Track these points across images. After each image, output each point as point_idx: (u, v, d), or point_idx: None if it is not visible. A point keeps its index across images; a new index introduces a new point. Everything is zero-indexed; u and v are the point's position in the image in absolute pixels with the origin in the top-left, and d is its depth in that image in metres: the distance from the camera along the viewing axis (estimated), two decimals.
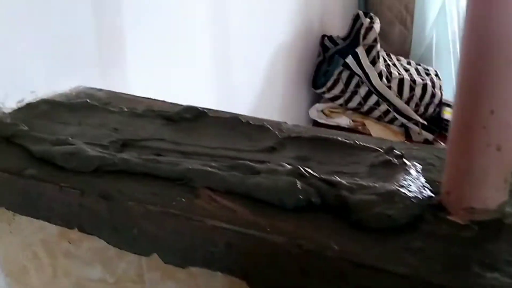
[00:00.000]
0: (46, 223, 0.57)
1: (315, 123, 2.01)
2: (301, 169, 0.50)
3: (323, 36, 1.99)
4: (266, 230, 0.45)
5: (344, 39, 1.95)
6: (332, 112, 1.99)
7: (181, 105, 0.72)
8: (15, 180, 0.55)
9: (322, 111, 2.00)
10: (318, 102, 2.04)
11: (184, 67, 1.13)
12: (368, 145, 0.57)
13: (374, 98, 1.83)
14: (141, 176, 0.54)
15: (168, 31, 1.05)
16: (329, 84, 1.85)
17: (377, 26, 1.83)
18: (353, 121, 1.93)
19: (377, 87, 1.78)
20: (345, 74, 1.85)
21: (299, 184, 0.48)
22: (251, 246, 0.44)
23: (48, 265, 0.67)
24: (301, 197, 0.47)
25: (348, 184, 0.48)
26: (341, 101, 1.89)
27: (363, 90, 1.84)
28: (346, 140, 0.59)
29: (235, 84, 1.54)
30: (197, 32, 1.18)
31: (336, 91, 1.87)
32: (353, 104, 1.88)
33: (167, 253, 0.49)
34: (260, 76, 1.68)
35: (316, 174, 0.50)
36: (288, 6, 1.77)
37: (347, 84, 1.85)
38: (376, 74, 1.77)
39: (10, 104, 0.69)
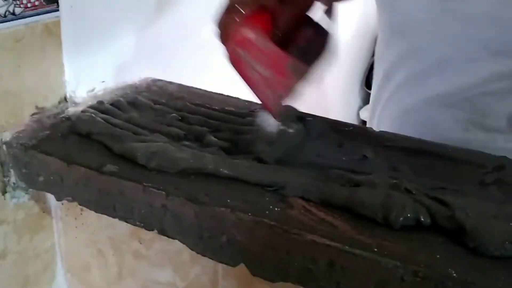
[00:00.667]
0: (116, 220, 0.54)
1: (365, 124, 1.96)
2: (407, 184, 0.46)
3: None
4: (373, 250, 0.41)
5: None
6: None
7: (255, 103, 0.68)
8: (94, 176, 0.52)
9: None
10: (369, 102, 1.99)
11: None
12: (472, 159, 0.52)
13: None
14: (228, 179, 0.50)
15: None
16: None
17: None
18: None
19: None
20: None
21: (408, 201, 0.43)
22: (357, 267, 0.41)
23: (113, 264, 0.64)
24: (410, 215, 0.43)
25: (462, 204, 0.43)
26: None
27: None
28: (445, 152, 0.54)
29: None
30: None
31: None
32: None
33: (257, 265, 0.46)
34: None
35: (424, 191, 0.46)
36: (346, 5, 1.72)
37: None
38: None
39: (81, 93, 0.67)
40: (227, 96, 0.72)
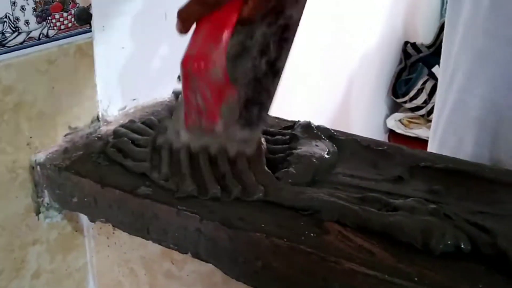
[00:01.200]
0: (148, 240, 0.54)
1: (392, 133, 1.94)
2: (446, 208, 0.45)
3: (406, 43, 1.92)
4: (413, 279, 0.40)
5: (428, 47, 1.87)
6: (411, 122, 1.92)
7: (287, 120, 0.68)
8: (128, 198, 0.52)
9: (400, 120, 1.93)
10: (397, 111, 1.97)
11: None
12: None
13: None
14: (261, 202, 0.50)
15: None
16: (411, 93, 1.78)
17: None
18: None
19: None
20: (429, 84, 1.77)
21: (448, 228, 0.42)
22: None
23: (145, 283, 0.64)
24: (450, 242, 0.42)
25: (503, 230, 0.42)
26: (422, 111, 1.82)
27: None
28: (483, 172, 0.53)
29: (314, 91, 1.49)
30: None
31: (419, 101, 1.80)
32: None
33: None
34: (340, 84, 1.63)
35: (464, 216, 0.44)
36: (373, 12, 1.71)
37: (430, 94, 1.78)
38: None
39: (112, 112, 0.67)
40: None
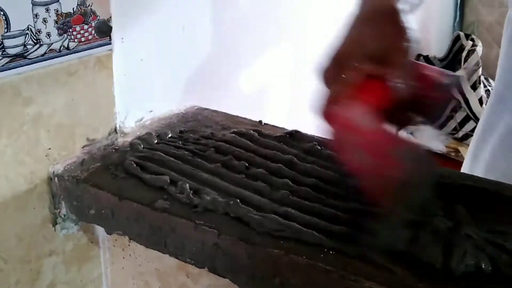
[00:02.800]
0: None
1: None
2: (466, 228, 0.45)
3: (419, 55, 1.91)
4: None
5: (441, 60, 1.86)
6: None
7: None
8: (146, 212, 0.52)
9: (411, 133, 1.92)
10: None
11: (284, 90, 1.08)
12: None
13: (471, 125, 1.73)
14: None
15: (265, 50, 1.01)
16: None
17: (479, 49, 1.73)
18: (445, 146, 1.83)
19: (476, 114, 1.68)
20: None
21: (468, 248, 0.42)
22: None
23: None
24: (471, 262, 0.42)
25: None
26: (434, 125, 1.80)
27: (459, 115, 1.75)
28: (502, 191, 0.53)
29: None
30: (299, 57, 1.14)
31: None
32: (447, 129, 1.79)
33: None
34: None
35: (484, 235, 0.44)
36: None
37: None
38: (477, 99, 1.67)
39: (130, 123, 0.67)
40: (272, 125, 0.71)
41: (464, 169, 0.75)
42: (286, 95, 1.03)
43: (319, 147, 0.60)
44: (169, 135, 0.65)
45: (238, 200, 0.50)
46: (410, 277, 0.42)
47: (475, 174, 0.67)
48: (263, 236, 0.47)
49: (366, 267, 0.43)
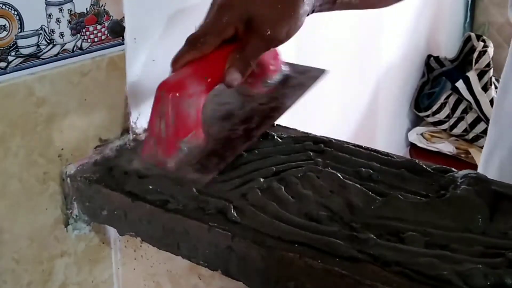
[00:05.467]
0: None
1: (414, 147, 1.93)
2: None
3: (429, 56, 1.90)
4: None
5: (452, 61, 1.85)
6: (433, 136, 1.90)
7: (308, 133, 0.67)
8: (159, 213, 0.51)
9: (421, 134, 1.91)
10: (419, 125, 1.95)
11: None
12: None
13: (482, 126, 1.73)
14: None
15: None
16: (434, 107, 1.76)
17: (490, 50, 1.73)
18: (456, 148, 1.82)
19: (487, 115, 1.67)
20: (452, 99, 1.75)
21: (488, 267, 0.41)
22: None
23: None
24: (493, 278, 0.41)
25: None
26: (445, 126, 1.80)
27: (470, 117, 1.74)
28: None
29: (337, 103, 1.48)
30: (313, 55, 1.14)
31: (442, 115, 1.78)
32: (458, 130, 1.78)
33: None
34: (362, 97, 1.62)
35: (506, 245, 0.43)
36: (397, 25, 1.70)
37: (453, 109, 1.76)
38: (488, 101, 1.67)
39: (142, 124, 0.67)
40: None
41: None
42: None
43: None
44: None
45: None
46: (427, 281, 0.41)
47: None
48: (277, 239, 0.46)
49: (383, 271, 0.42)
